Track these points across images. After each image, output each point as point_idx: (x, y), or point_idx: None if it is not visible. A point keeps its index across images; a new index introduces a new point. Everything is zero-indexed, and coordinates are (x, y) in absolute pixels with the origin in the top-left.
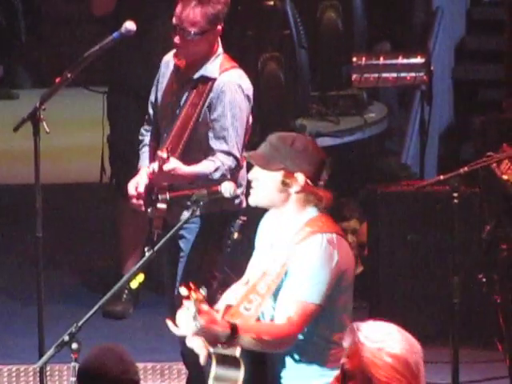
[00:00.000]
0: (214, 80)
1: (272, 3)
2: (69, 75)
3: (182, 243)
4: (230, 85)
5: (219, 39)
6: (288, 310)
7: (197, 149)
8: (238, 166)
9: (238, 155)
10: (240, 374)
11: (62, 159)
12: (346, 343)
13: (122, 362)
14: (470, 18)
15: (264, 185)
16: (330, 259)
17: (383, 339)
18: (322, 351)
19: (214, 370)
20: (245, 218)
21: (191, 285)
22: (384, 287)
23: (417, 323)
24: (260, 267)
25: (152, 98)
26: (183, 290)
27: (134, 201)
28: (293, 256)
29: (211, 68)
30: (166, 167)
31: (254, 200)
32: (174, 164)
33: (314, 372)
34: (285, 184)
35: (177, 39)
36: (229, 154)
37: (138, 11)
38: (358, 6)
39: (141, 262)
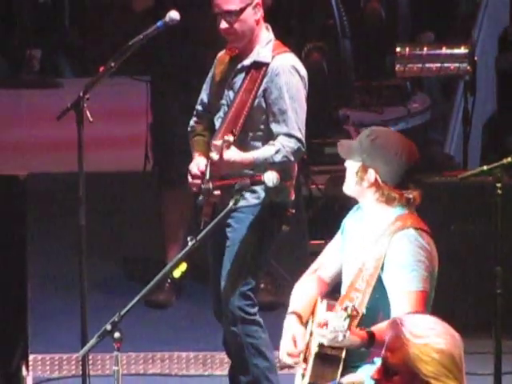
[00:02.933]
0: (267, 65)
1: None
2: (113, 64)
3: (229, 232)
4: (284, 67)
5: (269, 26)
6: (403, 304)
7: (253, 136)
8: (302, 148)
9: (300, 136)
10: None
11: (106, 148)
12: (387, 336)
13: None
14: None
15: (348, 173)
16: (426, 250)
17: (427, 334)
18: None
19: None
20: (293, 211)
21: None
22: None
23: (460, 314)
24: (352, 264)
25: (203, 95)
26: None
27: (196, 181)
28: (388, 248)
29: (264, 53)
30: (227, 155)
31: (344, 187)
32: (233, 151)
33: None
34: (359, 176)
35: (222, 26)
36: (290, 135)
37: (181, 2)
38: None
39: (184, 251)
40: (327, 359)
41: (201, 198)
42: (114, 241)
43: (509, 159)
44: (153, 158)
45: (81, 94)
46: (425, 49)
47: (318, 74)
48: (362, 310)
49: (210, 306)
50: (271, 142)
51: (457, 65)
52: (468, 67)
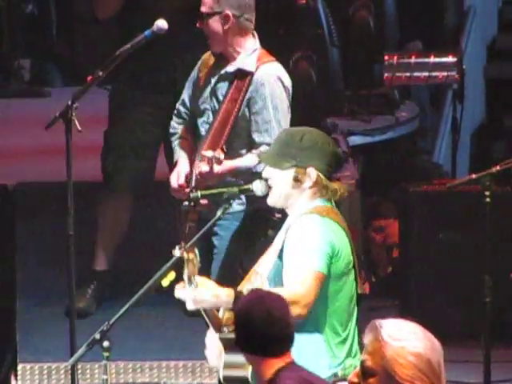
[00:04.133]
0: (251, 74)
1: (304, 2)
2: (101, 73)
3: (215, 240)
4: (269, 77)
5: (255, 34)
6: (295, 277)
7: (238, 144)
8: None
9: None
10: None
11: (89, 157)
12: (366, 340)
13: (269, 316)
14: (501, 17)
15: (278, 183)
16: (325, 233)
17: (406, 337)
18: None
19: (224, 357)
20: (279, 216)
21: (182, 244)
22: (415, 286)
23: (448, 322)
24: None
25: (185, 95)
26: (176, 251)
27: (177, 193)
28: (289, 231)
29: (248, 61)
30: (217, 169)
31: (272, 200)
32: (224, 166)
33: (321, 364)
34: (297, 180)
35: (200, 25)
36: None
37: (145, 10)
38: (389, 5)
39: (172, 259)
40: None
41: (185, 203)
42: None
43: (497, 168)
44: (102, 164)
45: (69, 103)
46: (413, 57)
47: (307, 83)
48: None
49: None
50: (254, 151)
51: (445, 73)
52: (456, 76)
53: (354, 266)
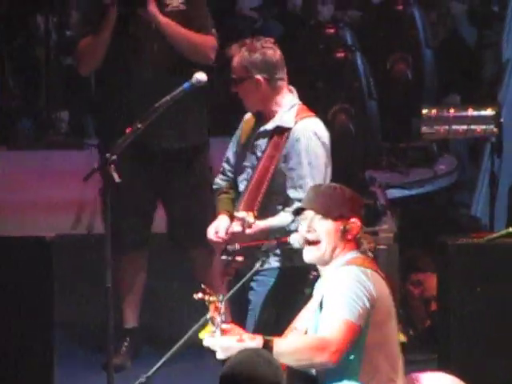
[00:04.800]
0: (289, 130)
1: (342, 55)
2: (139, 125)
3: (250, 295)
4: (305, 132)
5: (293, 89)
6: (327, 325)
7: (276, 200)
8: None
9: None
10: None
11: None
12: None
13: (271, 366)
14: None
15: (326, 235)
16: (364, 283)
17: None
18: None
19: None
20: (315, 273)
21: (207, 288)
22: (453, 339)
23: (487, 375)
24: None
25: (229, 153)
26: (199, 295)
27: (214, 243)
28: (327, 284)
29: (286, 118)
30: (249, 231)
31: (316, 254)
32: (257, 226)
33: None
34: (345, 231)
35: (233, 90)
36: None
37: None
38: (427, 58)
39: (210, 311)
40: None
41: (223, 257)
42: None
43: None
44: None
45: (107, 155)
46: (451, 111)
47: (345, 136)
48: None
49: None
50: (287, 208)
51: (483, 127)
52: (494, 129)
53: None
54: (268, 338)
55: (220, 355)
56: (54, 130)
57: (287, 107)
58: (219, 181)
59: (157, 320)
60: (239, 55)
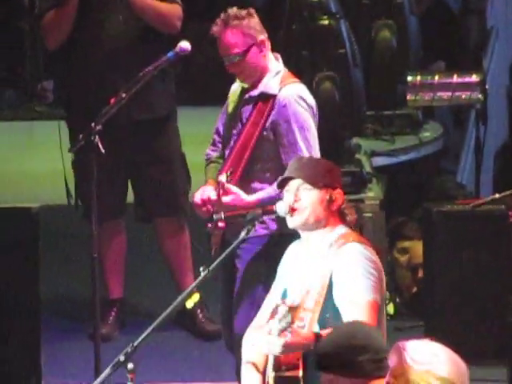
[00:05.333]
0: (274, 96)
1: (326, 23)
2: (124, 95)
3: (238, 263)
4: (291, 98)
5: (279, 56)
6: (356, 316)
7: (261, 166)
8: None
9: None
10: None
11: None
12: (391, 362)
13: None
14: None
15: (311, 204)
16: (373, 262)
17: (430, 361)
18: None
19: None
20: None
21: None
22: (440, 306)
23: (473, 342)
24: (298, 290)
25: (219, 124)
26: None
27: (200, 210)
28: (334, 264)
29: (271, 84)
30: (225, 200)
31: (300, 221)
32: (232, 197)
33: None
34: (330, 200)
35: (231, 69)
36: None
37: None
38: (412, 25)
39: (196, 281)
40: (286, 382)
41: (209, 225)
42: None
43: None
44: (78, 195)
45: (92, 126)
46: (436, 78)
47: (330, 104)
48: (313, 328)
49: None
50: (273, 186)
51: (468, 93)
52: (479, 96)
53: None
54: (318, 332)
55: (275, 350)
56: (39, 101)
57: (272, 73)
58: (209, 151)
59: (141, 292)
60: (238, 27)
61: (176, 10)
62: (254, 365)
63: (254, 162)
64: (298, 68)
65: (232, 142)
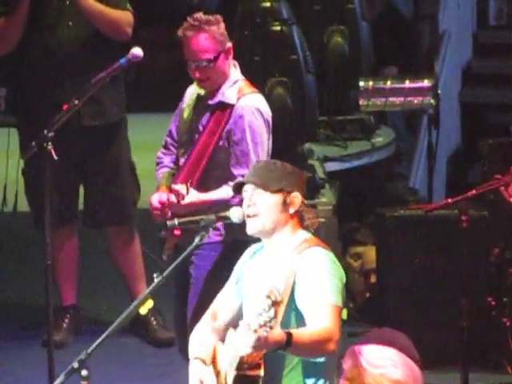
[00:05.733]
0: (232, 106)
1: (279, 28)
2: (76, 102)
3: (192, 269)
4: (248, 109)
5: (236, 64)
6: (319, 318)
7: (216, 175)
8: None
9: None
10: None
11: None
12: (346, 365)
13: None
14: (476, 41)
15: (266, 208)
16: (337, 267)
17: (384, 364)
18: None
19: None
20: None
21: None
22: (392, 311)
23: (426, 347)
24: (258, 291)
25: (172, 126)
26: (271, 296)
27: (157, 212)
28: (298, 265)
29: (229, 93)
30: (184, 201)
31: (257, 226)
32: (191, 197)
33: None
34: (285, 204)
35: (197, 74)
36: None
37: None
38: (364, 30)
39: (150, 287)
40: (246, 381)
41: (163, 231)
42: None
43: (473, 192)
44: (28, 201)
45: (45, 132)
46: (388, 83)
47: (282, 109)
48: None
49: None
50: (230, 183)
51: (420, 98)
52: (431, 101)
53: None
54: (289, 332)
55: (246, 350)
56: None
57: (230, 82)
58: (161, 154)
59: (95, 298)
60: (209, 33)
61: (127, 16)
62: (203, 360)
63: (210, 170)
64: (250, 74)
65: (188, 151)
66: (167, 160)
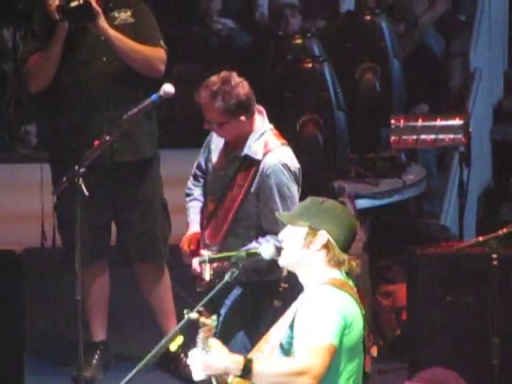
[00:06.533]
0: (258, 162)
1: (310, 65)
2: (107, 138)
3: (222, 309)
4: (275, 167)
5: (263, 111)
6: (306, 348)
7: (247, 225)
8: None
9: None
10: None
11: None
12: None
13: None
14: (507, 79)
15: (290, 241)
16: (339, 304)
17: None
18: None
19: None
20: (286, 285)
21: (202, 310)
22: (423, 348)
23: None
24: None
25: (201, 158)
26: (193, 315)
27: (188, 258)
28: (301, 302)
29: (255, 148)
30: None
31: (283, 259)
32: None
33: None
34: (307, 239)
35: (206, 125)
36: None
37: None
38: (395, 68)
39: (180, 323)
40: None
41: (196, 267)
42: None
43: (504, 230)
44: (60, 237)
45: (76, 168)
46: (419, 120)
47: (314, 146)
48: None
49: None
50: (260, 239)
51: (452, 136)
52: (463, 138)
53: (363, 342)
54: (249, 358)
55: (199, 374)
56: (22, 144)
57: (257, 134)
58: (191, 185)
59: (125, 335)
60: (214, 105)
61: (160, 53)
62: None
63: (240, 219)
64: (281, 111)
65: (215, 196)
66: (197, 192)
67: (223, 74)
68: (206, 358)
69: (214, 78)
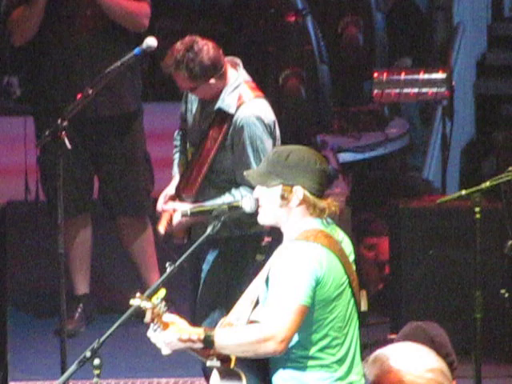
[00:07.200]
0: (232, 115)
1: (293, 19)
2: (90, 91)
3: (204, 264)
4: (248, 119)
5: (238, 63)
6: (274, 311)
7: (218, 178)
8: None
9: None
10: None
11: None
12: (371, 375)
13: (433, 344)
14: (491, 33)
15: (266, 202)
16: (308, 263)
17: (413, 357)
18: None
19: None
20: (269, 239)
21: (139, 295)
22: (405, 302)
23: None
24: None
25: (182, 108)
26: (133, 301)
27: (161, 214)
28: (273, 261)
29: (228, 101)
30: (175, 220)
31: (261, 219)
32: (178, 217)
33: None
34: (284, 198)
35: (181, 88)
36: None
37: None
38: (379, 21)
39: (162, 277)
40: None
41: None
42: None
43: (487, 184)
44: (43, 190)
45: (58, 122)
46: (402, 74)
47: (296, 100)
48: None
49: None
50: (233, 190)
51: (435, 90)
52: (446, 92)
53: (350, 286)
54: (209, 330)
55: (165, 351)
56: (5, 96)
57: (231, 87)
58: (177, 136)
59: (108, 287)
60: (180, 74)
61: (144, 7)
62: None
63: (211, 175)
64: (264, 64)
65: (191, 150)
66: (182, 144)
67: (187, 39)
68: (163, 336)
69: (178, 45)
